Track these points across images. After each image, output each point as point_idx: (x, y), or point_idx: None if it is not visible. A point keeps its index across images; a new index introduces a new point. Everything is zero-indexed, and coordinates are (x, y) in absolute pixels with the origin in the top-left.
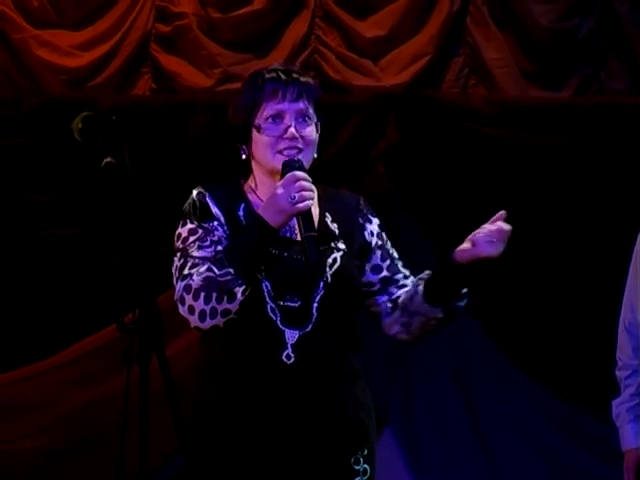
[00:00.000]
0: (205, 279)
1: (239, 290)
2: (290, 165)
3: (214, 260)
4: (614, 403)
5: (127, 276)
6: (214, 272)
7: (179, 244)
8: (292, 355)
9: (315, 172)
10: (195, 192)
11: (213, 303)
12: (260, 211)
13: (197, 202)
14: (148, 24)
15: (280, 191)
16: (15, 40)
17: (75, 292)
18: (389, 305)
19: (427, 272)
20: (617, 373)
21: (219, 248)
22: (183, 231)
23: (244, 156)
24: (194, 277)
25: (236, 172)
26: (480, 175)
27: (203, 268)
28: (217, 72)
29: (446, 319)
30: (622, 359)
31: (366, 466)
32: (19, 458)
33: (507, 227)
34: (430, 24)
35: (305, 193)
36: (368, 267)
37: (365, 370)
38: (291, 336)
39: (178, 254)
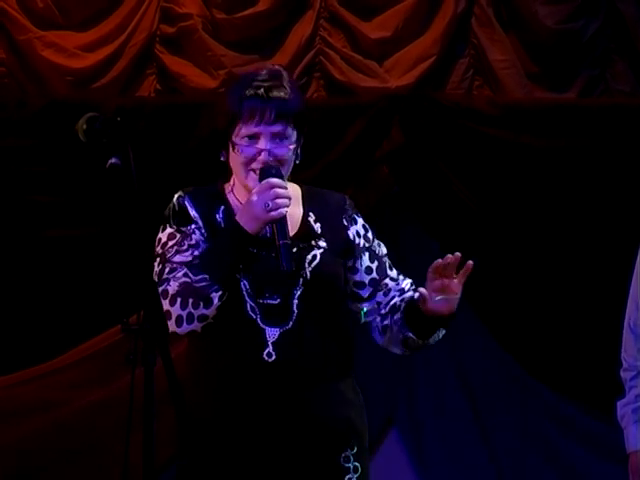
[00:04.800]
0: (181, 284)
1: (215, 295)
2: (267, 172)
3: (190, 265)
4: (619, 404)
5: (131, 277)
6: (190, 278)
7: (159, 249)
8: (273, 353)
9: (320, 173)
10: (176, 196)
11: (189, 308)
12: (237, 217)
13: (176, 206)
14: (153, 25)
15: (255, 198)
16: (20, 41)
17: (79, 293)
18: (376, 309)
19: (411, 293)
20: (622, 374)
21: (196, 253)
22: (163, 236)
23: (222, 159)
24: (171, 282)
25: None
26: (485, 176)
27: (180, 273)
28: (222, 73)
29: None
30: (627, 360)
31: (357, 464)
32: (23, 460)
33: (456, 282)
34: (435, 25)
35: (279, 201)
36: (360, 267)
37: (371, 372)
38: (272, 334)
39: (157, 259)
